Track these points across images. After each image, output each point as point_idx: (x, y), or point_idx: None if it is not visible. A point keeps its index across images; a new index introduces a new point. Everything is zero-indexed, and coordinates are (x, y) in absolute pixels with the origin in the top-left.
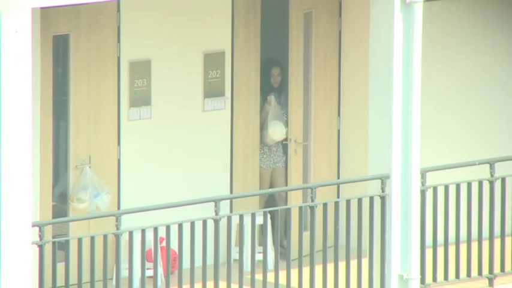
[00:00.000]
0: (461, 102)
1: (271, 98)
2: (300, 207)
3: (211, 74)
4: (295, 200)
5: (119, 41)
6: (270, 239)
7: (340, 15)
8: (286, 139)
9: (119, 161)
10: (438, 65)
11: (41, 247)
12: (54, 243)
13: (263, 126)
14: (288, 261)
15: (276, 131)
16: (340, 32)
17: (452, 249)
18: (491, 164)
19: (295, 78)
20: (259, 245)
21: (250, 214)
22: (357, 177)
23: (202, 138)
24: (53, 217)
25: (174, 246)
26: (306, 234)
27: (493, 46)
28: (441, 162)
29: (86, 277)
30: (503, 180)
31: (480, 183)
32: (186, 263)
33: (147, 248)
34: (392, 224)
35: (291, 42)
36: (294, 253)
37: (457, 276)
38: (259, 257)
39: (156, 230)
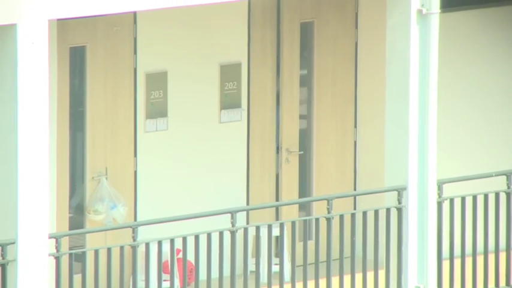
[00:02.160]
0: (476, 114)
1: None
2: (317, 219)
3: (228, 85)
4: (285, 211)
5: (135, 53)
6: (286, 250)
7: (356, 27)
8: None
9: (135, 172)
10: (451, 76)
11: (57, 259)
12: (70, 254)
13: None
14: (305, 273)
15: None
16: (356, 43)
17: (469, 261)
18: (508, 175)
19: (288, 87)
20: (276, 256)
21: (266, 225)
22: (373, 189)
23: (218, 150)
24: (70, 229)
25: (191, 257)
26: (315, 245)
27: (506, 58)
28: (457, 174)
29: None
30: None
31: (497, 195)
32: (202, 275)
33: (163, 260)
34: (409, 235)
35: (282, 52)
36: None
37: (474, 287)
38: (275, 268)
39: (172, 241)
